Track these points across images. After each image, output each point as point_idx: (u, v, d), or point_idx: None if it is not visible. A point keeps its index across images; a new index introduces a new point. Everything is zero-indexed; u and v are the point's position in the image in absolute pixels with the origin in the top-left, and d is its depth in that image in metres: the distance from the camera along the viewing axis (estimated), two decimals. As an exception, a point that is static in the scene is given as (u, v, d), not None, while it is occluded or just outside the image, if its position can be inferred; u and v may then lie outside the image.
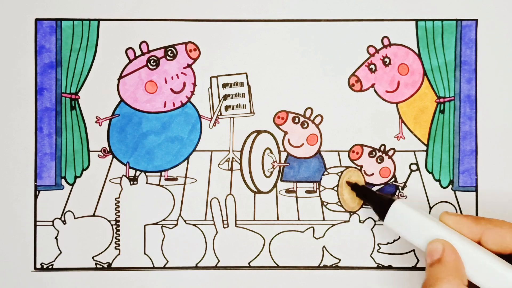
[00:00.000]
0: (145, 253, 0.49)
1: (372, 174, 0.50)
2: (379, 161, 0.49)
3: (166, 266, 0.49)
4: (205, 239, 0.49)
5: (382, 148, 0.49)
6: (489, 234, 0.42)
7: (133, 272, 0.49)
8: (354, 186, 0.48)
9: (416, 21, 0.49)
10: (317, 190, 0.49)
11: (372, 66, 0.50)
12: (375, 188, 0.50)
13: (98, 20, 0.49)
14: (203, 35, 0.49)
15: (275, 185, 0.49)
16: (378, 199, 0.46)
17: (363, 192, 0.48)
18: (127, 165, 0.49)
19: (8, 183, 0.49)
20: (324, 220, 0.49)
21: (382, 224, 0.49)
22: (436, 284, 0.40)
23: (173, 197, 0.49)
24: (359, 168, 0.50)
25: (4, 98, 0.49)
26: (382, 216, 0.45)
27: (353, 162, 0.50)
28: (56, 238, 0.49)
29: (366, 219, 0.49)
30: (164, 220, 0.49)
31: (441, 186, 0.49)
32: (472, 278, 0.41)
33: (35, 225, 0.49)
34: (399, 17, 0.49)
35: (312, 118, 0.50)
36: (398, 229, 0.44)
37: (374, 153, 0.49)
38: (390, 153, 0.49)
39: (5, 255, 0.49)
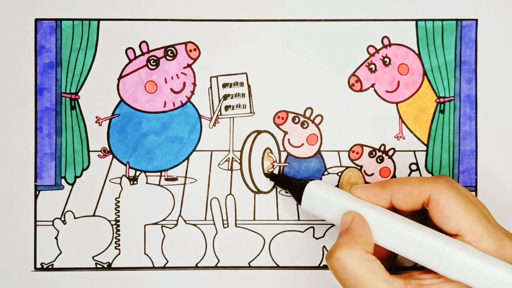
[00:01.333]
0: (145, 253, 0.49)
1: (372, 174, 0.50)
2: (379, 161, 0.49)
3: (166, 266, 0.49)
4: (205, 239, 0.49)
5: (382, 148, 0.49)
6: (397, 196, 0.41)
7: (133, 272, 0.49)
8: (270, 176, 0.49)
9: (416, 21, 0.49)
10: (317, 190, 0.49)
11: (372, 66, 0.50)
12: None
13: (98, 20, 0.49)
14: (203, 35, 0.49)
15: (275, 185, 0.49)
16: (293, 184, 0.46)
17: (280, 180, 0.48)
18: (127, 165, 0.49)
19: (8, 183, 0.49)
20: (324, 220, 0.49)
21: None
22: (336, 250, 0.40)
23: (173, 197, 0.49)
24: (359, 168, 0.50)
25: (4, 98, 0.49)
26: (300, 201, 0.45)
27: (353, 162, 0.50)
28: (56, 238, 0.49)
29: (366, 219, 0.49)
30: (164, 220, 0.49)
31: (441, 186, 0.49)
32: (384, 244, 0.41)
33: (35, 225, 0.49)
34: (399, 17, 0.49)
35: (312, 118, 0.50)
36: (314, 210, 0.44)
37: (374, 153, 0.49)
38: (390, 153, 0.49)
39: (5, 255, 0.49)
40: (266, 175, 0.49)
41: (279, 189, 0.49)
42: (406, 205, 0.41)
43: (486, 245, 0.38)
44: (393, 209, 0.42)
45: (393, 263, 0.46)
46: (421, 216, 0.43)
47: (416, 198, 0.41)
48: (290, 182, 0.47)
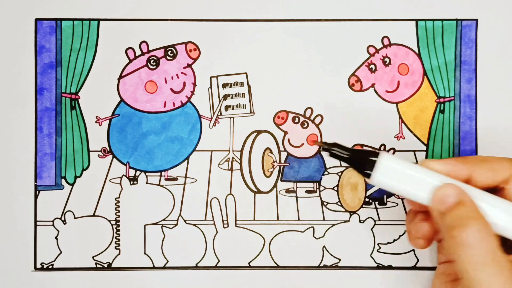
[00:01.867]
0: (145, 253, 0.49)
1: (372, 174, 0.49)
2: (379, 161, 0.49)
3: (166, 266, 0.49)
4: (205, 239, 0.49)
5: (382, 148, 0.49)
6: (479, 171, 0.41)
7: (133, 272, 0.49)
8: (326, 146, 0.42)
9: (416, 21, 0.49)
10: (317, 190, 0.49)
11: (372, 66, 0.50)
12: (374, 189, 0.50)
13: (98, 20, 0.49)
14: (203, 35, 0.49)
15: (275, 185, 0.49)
16: (359, 154, 0.41)
17: (339, 150, 0.41)
18: (127, 165, 0.49)
19: (8, 183, 0.49)
20: (324, 220, 0.49)
21: (382, 224, 0.49)
22: (468, 224, 0.38)
23: (173, 197, 0.49)
24: (359, 168, 0.49)
25: (4, 98, 0.49)
26: (367, 174, 0.40)
27: (353, 162, 0.49)
28: (56, 238, 0.49)
29: (366, 219, 0.49)
30: (164, 220, 0.49)
31: (441, 186, 0.49)
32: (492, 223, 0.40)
33: (35, 225, 0.49)
34: (399, 17, 0.49)
35: (312, 118, 0.50)
36: (390, 184, 0.40)
37: (374, 153, 0.49)
38: (390, 153, 0.49)
39: (5, 255, 0.49)
40: (316, 142, 0.45)
41: (279, 189, 0.49)
42: (486, 181, 0.41)
43: None
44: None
45: None
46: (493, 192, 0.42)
47: (499, 175, 0.41)
48: (354, 153, 0.41)
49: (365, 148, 0.46)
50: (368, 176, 0.40)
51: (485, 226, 0.38)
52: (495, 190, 0.41)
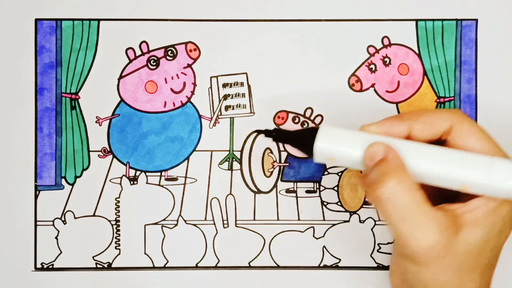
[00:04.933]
0: (145, 253, 0.49)
1: (372, 174, 0.49)
2: (379, 161, 0.49)
3: (166, 266, 0.49)
4: (205, 239, 0.49)
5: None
6: (417, 126, 0.40)
7: (133, 272, 0.49)
8: (267, 133, 0.44)
9: (416, 21, 0.49)
10: (317, 190, 0.49)
11: (372, 66, 0.50)
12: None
13: (98, 20, 0.49)
14: (203, 35, 0.49)
15: (275, 185, 0.49)
16: (301, 133, 0.42)
17: (282, 135, 0.43)
18: (127, 165, 0.49)
19: (8, 183, 0.49)
20: (324, 220, 0.49)
21: (382, 224, 0.49)
22: (384, 180, 0.38)
23: (173, 197, 0.49)
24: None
25: (4, 98, 0.49)
26: (310, 150, 0.41)
27: (353, 162, 0.49)
28: (56, 238, 0.49)
29: (366, 219, 0.49)
30: (164, 220, 0.49)
31: (441, 186, 0.49)
32: (422, 174, 0.39)
33: (35, 225, 0.49)
34: (399, 17, 0.49)
35: (312, 118, 0.50)
36: (331, 152, 0.40)
37: (374, 153, 0.49)
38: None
39: (5, 255, 0.49)
40: (260, 132, 0.44)
41: (279, 189, 0.49)
42: (425, 135, 0.40)
43: None
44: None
45: None
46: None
47: (437, 127, 0.40)
48: (296, 134, 0.43)
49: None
50: (311, 151, 0.41)
51: (402, 180, 0.38)
52: (440, 143, 0.41)
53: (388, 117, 0.42)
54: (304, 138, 0.41)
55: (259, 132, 0.44)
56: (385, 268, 0.49)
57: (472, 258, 0.39)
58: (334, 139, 0.40)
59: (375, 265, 0.49)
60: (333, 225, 0.49)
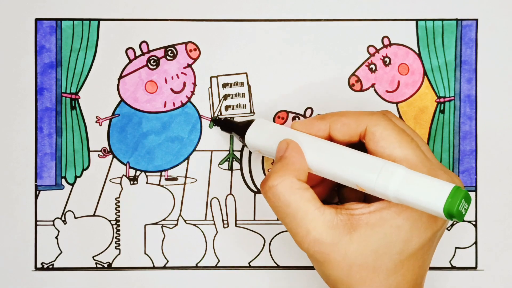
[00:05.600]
0: (145, 253, 0.49)
1: (372, 174, 0.49)
2: (379, 161, 0.49)
3: (166, 266, 0.49)
4: (205, 239, 0.49)
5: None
6: (335, 126, 0.41)
7: (133, 272, 0.49)
8: (216, 121, 0.48)
9: (416, 21, 0.49)
10: (317, 190, 0.49)
11: (372, 66, 0.50)
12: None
13: (98, 20, 0.49)
14: (203, 35, 0.49)
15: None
16: (241, 124, 0.46)
17: (225, 124, 0.47)
18: (127, 165, 0.49)
19: (8, 183, 0.49)
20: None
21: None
22: (269, 178, 0.40)
23: (173, 197, 0.49)
24: (359, 168, 0.49)
25: (4, 98, 0.49)
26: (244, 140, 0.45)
27: (353, 162, 0.49)
28: (56, 237, 0.49)
29: (366, 219, 0.49)
30: (164, 220, 0.49)
31: (441, 186, 0.49)
32: (319, 169, 0.41)
33: (36, 225, 0.49)
34: (399, 17, 0.49)
35: (312, 118, 0.50)
36: (256, 143, 0.44)
37: (374, 153, 0.49)
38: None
39: (5, 255, 0.49)
40: (214, 120, 0.49)
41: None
42: (343, 136, 0.41)
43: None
44: (332, 141, 0.42)
45: (330, 199, 0.47)
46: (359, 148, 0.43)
47: (353, 129, 0.41)
48: (235, 124, 0.46)
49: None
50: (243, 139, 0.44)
51: (286, 179, 0.39)
52: (362, 146, 0.42)
53: (314, 116, 0.43)
54: (242, 129, 0.45)
55: (212, 120, 0.48)
56: (385, 268, 0.49)
57: (369, 260, 0.39)
58: (261, 132, 0.44)
59: (375, 265, 0.49)
60: (333, 225, 0.49)
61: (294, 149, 0.41)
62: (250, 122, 0.45)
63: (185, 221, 0.49)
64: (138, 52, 0.49)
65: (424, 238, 0.40)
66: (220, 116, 0.49)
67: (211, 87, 0.50)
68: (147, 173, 0.49)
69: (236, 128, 0.46)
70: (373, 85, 0.50)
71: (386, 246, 0.39)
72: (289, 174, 0.40)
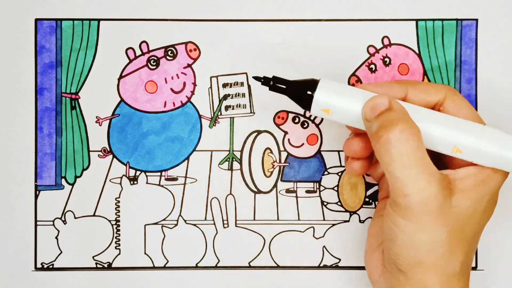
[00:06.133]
0: (145, 253, 0.49)
1: (372, 174, 0.50)
2: (379, 161, 0.49)
3: (166, 266, 0.49)
4: (205, 239, 0.49)
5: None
6: (414, 91, 0.42)
7: (133, 272, 0.49)
8: (265, 80, 0.43)
9: (416, 21, 0.49)
10: (317, 190, 0.49)
11: (372, 66, 0.50)
12: (374, 189, 0.50)
13: (98, 20, 0.49)
14: (203, 35, 0.49)
15: (275, 185, 0.49)
16: (300, 83, 0.42)
17: (280, 84, 0.42)
18: (127, 165, 0.49)
19: (8, 183, 0.49)
20: (324, 220, 0.49)
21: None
22: (391, 125, 0.38)
23: (173, 197, 0.49)
24: (359, 168, 0.49)
25: (4, 98, 0.49)
26: (308, 101, 0.41)
27: (353, 162, 0.49)
28: (56, 238, 0.49)
29: (366, 219, 0.49)
30: (164, 220, 0.49)
31: (441, 186, 0.49)
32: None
33: (36, 225, 0.49)
34: (399, 17, 0.49)
35: (312, 118, 0.50)
36: (329, 103, 0.41)
37: (374, 153, 0.49)
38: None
39: (5, 255, 0.49)
40: (257, 78, 0.43)
41: (279, 189, 0.49)
42: (420, 102, 0.42)
43: None
44: None
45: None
46: None
47: (432, 96, 0.42)
48: (293, 82, 0.42)
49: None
50: (309, 103, 0.41)
51: (411, 127, 0.39)
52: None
53: (386, 81, 0.44)
54: (303, 88, 0.41)
55: (256, 78, 0.43)
56: (385, 268, 0.49)
57: (460, 226, 0.39)
58: (335, 91, 0.41)
59: (375, 265, 0.49)
60: (333, 225, 0.49)
61: (396, 102, 0.40)
62: (310, 82, 0.41)
63: (185, 221, 0.49)
64: (138, 52, 0.49)
65: (491, 212, 0.42)
66: (269, 76, 0.43)
67: (211, 87, 0.50)
68: (147, 173, 0.49)
69: (292, 88, 0.42)
70: (373, 85, 0.50)
71: (472, 213, 0.39)
72: (410, 122, 0.39)
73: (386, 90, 0.42)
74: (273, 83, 0.42)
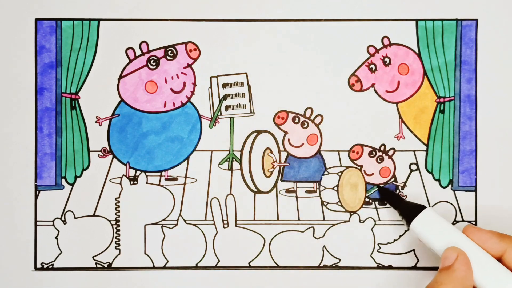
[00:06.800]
0: (145, 253, 0.49)
1: (372, 174, 0.50)
2: (379, 161, 0.49)
3: (166, 266, 0.49)
4: (205, 239, 0.49)
5: (382, 148, 0.49)
6: None
7: (133, 272, 0.49)
8: (382, 191, 0.49)
9: (416, 21, 0.49)
10: (317, 190, 0.49)
11: (372, 66, 0.50)
12: (374, 189, 0.50)
13: (98, 20, 0.49)
14: (203, 35, 0.49)
15: (275, 185, 0.49)
16: (406, 205, 0.47)
17: (391, 197, 0.48)
18: (127, 165, 0.49)
19: (8, 183, 0.49)
20: (324, 220, 0.49)
21: (382, 224, 0.49)
22: (439, 286, 0.40)
23: (173, 197, 0.49)
24: (359, 168, 0.50)
25: (4, 98, 0.49)
26: (408, 221, 0.46)
27: (353, 162, 0.50)
28: (56, 238, 0.49)
29: (366, 219, 0.49)
30: (164, 220, 0.49)
31: (441, 186, 0.49)
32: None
33: (35, 225, 0.49)
34: (399, 17, 0.49)
35: (312, 118, 0.50)
36: (423, 234, 0.44)
37: (374, 153, 0.50)
38: (390, 153, 0.49)
39: (5, 255, 0.49)
40: (378, 187, 0.49)
41: (279, 189, 0.49)
42: None
43: None
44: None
45: None
46: None
47: None
48: (402, 202, 0.47)
49: (409, 200, 0.49)
50: (409, 223, 0.46)
51: None
52: None
53: (492, 231, 0.43)
54: (408, 211, 0.46)
55: (377, 187, 0.49)
56: (385, 268, 0.49)
57: None
58: (429, 226, 0.44)
59: (375, 265, 0.49)
60: (333, 225, 0.49)
61: (463, 262, 0.41)
62: (418, 207, 0.46)
63: (185, 221, 0.49)
64: (138, 52, 0.49)
65: None
66: (385, 186, 0.49)
67: (211, 87, 0.50)
68: (147, 173, 0.49)
69: (402, 207, 0.47)
70: (373, 85, 0.50)
71: None
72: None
73: (483, 241, 0.42)
74: (383, 195, 0.49)
